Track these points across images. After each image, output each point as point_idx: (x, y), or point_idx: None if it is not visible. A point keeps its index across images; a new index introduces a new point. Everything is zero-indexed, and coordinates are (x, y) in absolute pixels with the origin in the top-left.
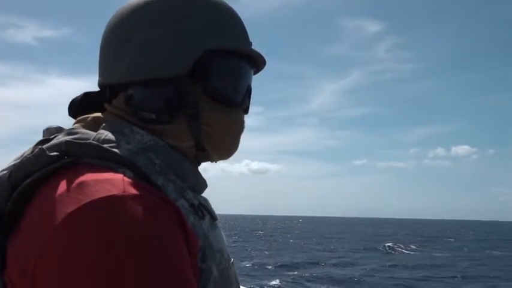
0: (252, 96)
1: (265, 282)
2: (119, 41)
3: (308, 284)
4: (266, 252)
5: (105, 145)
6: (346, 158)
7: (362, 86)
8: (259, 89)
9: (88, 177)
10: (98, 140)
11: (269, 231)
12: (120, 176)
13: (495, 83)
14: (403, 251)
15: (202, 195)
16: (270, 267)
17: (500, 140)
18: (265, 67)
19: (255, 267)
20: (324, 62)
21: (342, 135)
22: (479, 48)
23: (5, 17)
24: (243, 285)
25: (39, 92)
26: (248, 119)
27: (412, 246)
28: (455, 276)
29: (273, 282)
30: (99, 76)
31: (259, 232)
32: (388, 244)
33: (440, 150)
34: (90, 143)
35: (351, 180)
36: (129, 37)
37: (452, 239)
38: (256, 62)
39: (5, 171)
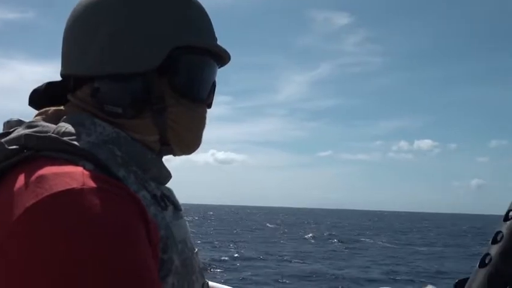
0: (216, 90)
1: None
2: (85, 33)
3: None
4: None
5: (65, 138)
6: (312, 150)
7: (330, 78)
8: (227, 78)
9: (47, 170)
10: (57, 133)
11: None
12: (79, 169)
13: (458, 79)
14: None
15: (167, 185)
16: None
17: (461, 135)
18: (235, 56)
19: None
20: (293, 53)
21: (309, 127)
22: (445, 44)
23: None
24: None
25: (1, 76)
26: (215, 108)
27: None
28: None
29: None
30: (62, 66)
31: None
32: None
33: (403, 144)
34: (49, 136)
35: (316, 171)
36: (96, 29)
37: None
38: (221, 58)
39: None
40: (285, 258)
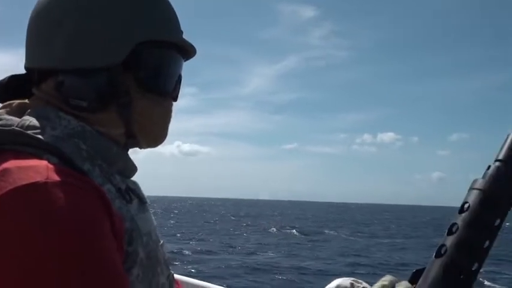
0: (181, 84)
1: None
2: (49, 26)
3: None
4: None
5: (29, 131)
6: (277, 142)
7: (296, 71)
8: (193, 70)
9: (11, 164)
10: (22, 127)
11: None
12: (44, 162)
13: (420, 72)
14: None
15: (133, 179)
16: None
17: (423, 128)
18: (202, 48)
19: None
20: (259, 46)
21: (274, 119)
22: (408, 38)
23: None
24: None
25: None
26: (181, 100)
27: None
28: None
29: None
30: (26, 59)
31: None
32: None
33: (367, 137)
34: (13, 130)
35: (281, 164)
36: (60, 23)
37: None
38: (187, 51)
39: None
40: (248, 251)
